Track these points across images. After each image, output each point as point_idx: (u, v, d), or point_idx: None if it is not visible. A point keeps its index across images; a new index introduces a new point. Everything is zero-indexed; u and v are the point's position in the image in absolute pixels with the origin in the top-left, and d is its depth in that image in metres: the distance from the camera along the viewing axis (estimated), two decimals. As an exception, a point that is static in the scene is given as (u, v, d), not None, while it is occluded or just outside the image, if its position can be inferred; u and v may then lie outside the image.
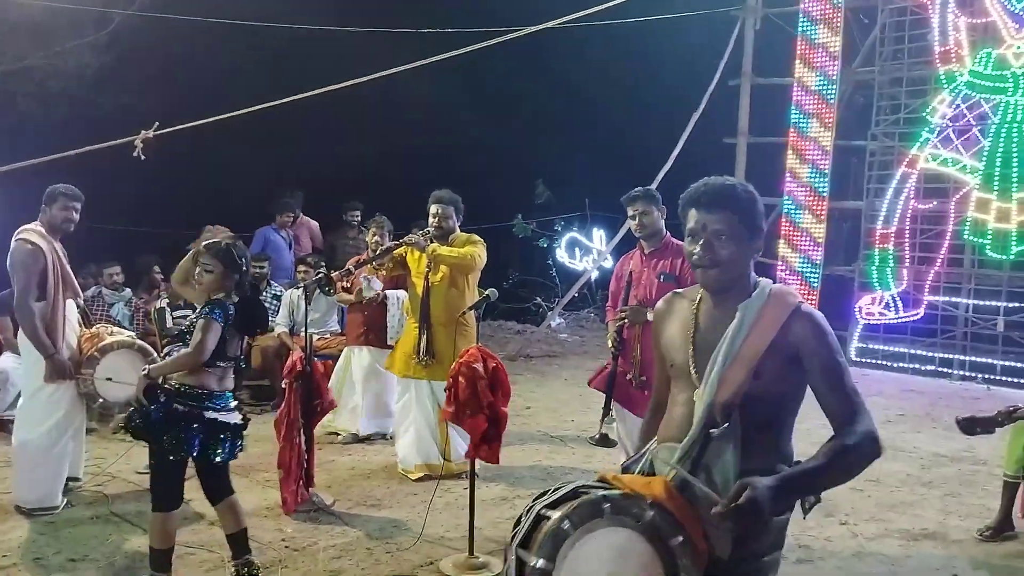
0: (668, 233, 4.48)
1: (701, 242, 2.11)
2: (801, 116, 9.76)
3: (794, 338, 2.06)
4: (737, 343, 2.07)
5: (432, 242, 5.14)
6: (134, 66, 10.48)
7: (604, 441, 4.48)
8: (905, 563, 4.09)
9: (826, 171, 9.62)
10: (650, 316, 4.11)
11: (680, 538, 1.91)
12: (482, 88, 13.16)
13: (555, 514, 1.90)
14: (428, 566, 3.96)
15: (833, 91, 9.57)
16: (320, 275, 5.12)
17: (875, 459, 2.03)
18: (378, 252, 5.47)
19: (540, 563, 1.84)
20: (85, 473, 5.12)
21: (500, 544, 4.23)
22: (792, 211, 9.83)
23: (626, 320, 4.39)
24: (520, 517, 2.02)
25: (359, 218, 8.84)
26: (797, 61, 9.78)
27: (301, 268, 7.46)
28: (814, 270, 9.65)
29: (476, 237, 5.30)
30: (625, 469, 2.27)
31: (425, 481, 5.08)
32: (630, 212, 4.48)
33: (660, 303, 2.36)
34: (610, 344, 4.50)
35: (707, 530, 1.95)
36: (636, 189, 4.54)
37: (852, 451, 1.99)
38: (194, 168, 11.02)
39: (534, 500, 2.04)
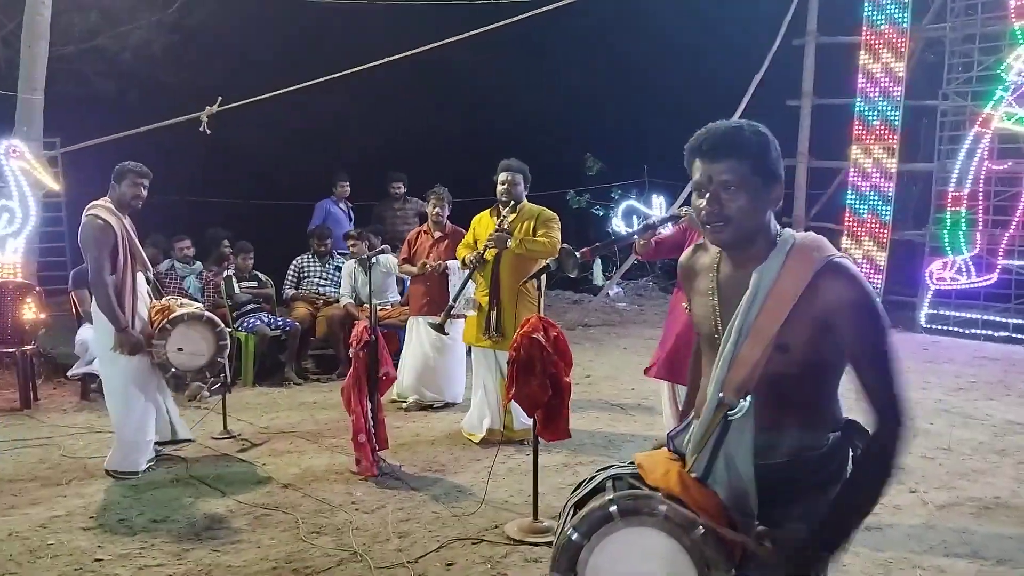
0: None
1: (707, 196, 1.86)
2: (869, 71, 9.41)
3: (823, 302, 1.78)
4: (752, 314, 1.82)
5: (509, 236, 5.24)
6: (198, 43, 10.70)
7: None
8: (977, 532, 4.02)
9: (897, 119, 9.28)
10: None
11: (700, 529, 1.76)
12: (535, 60, 13.06)
13: (568, 527, 1.84)
14: (493, 529, 4.04)
15: (900, 64, 9.21)
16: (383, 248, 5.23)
17: (900, 451, 1.80)
18: (471, 265, 5.48)
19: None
20: (161, 437, 5.30)
21: (564, 509, 4.29)
22: (865, 112, 9.49)
23: (683, 214, 4.38)
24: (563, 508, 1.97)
25: (402, 189, 8.89)
26: (865, 18, 9.43)
27: (349, 242, 7.60)
28: (881, 176, 9.36)
29: (549, 213, 5.37)
30: (670, 439, 2.10)
31: (488, 447, 5.17)
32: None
33: (684, 256, 2.12)
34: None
35: (733, 516, 1.80)
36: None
37: (877, 463, 1.80)
38: (255, 142, 11.23)
39: (573, 491, 1.99)
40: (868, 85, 9.43)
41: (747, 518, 1.79)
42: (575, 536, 1.81)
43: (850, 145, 9.64)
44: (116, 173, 4.77)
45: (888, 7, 9.29)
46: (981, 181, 8.83)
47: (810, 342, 1.81)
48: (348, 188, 9.01)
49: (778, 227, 1.90)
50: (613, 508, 1.79)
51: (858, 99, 9.51)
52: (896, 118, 9.31)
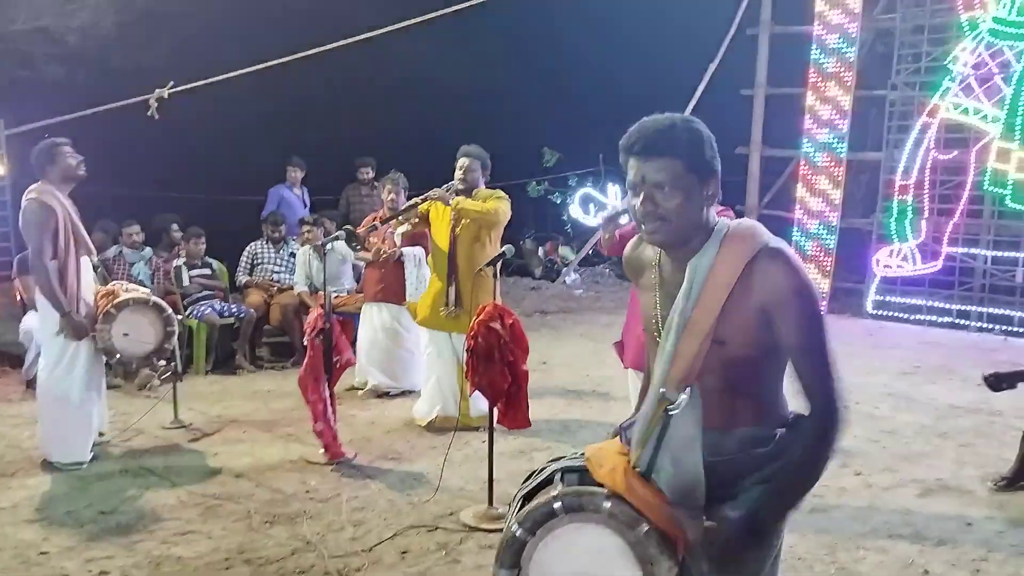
0: None
1: (641, 196, 1.83)
2: (822, 57, 9.52)
3: (758, 288, 1.76)
4: (688, 308, 1.81)
5: (457, 195, 5.15)
6: (148, 24, 10.43)
7: None
8: (919, 513, 4.13)
9: (843, 129, 9.45)
10: None
11: (644, 527, 1.77)
12: (491, 51, 12.99)
13: (512, 522, 1.85)
14: (448, 516, 4.04)
15: (851, 49, 9.33)
16: (346, 230, 5.11)
17: (835, 439, 1.79)
18: (403, 207, 5.47)
19: (503, 574, 1.85)
20: (113, 428, 5.23)
21: (519, 495, 4.31)
22: (811, 155, 9.66)
23: None
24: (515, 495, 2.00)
25: (371, 174, 8.84)
26: (817, 6, 9.54)
27: (304, 228, 7.50)
28: (829, 233, 9.55)
29: (500, 192, 5.31)
30: (622, 430, 2.08)
31: (443, 435, 5.16)
32: None
33: (628, 247, 2.08)
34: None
35: (676, 515, 1.80)
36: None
37: (817, 453, 1.79)
38: (209, 129, 11.01)
39: (524, 482, 2.00)
40: (818, 78, 9.54)
41: (694, 511, 1.80)
42: (519, 532, 1.83)
43: (801, 135, 9.78)
44: (42, 155, 4.59)
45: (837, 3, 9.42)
46: (927, 170, 9.01)
47: (748, 333, 1.79)
48: (300, 173, 8.90)
49: (716, 219, 1.88)
50: (558, 504, 1.81)
51: (808, 89, 9.62)
52: (846, 103, 9.44)
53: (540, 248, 13.01)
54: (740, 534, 1.80)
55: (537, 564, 1.83)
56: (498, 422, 4.20)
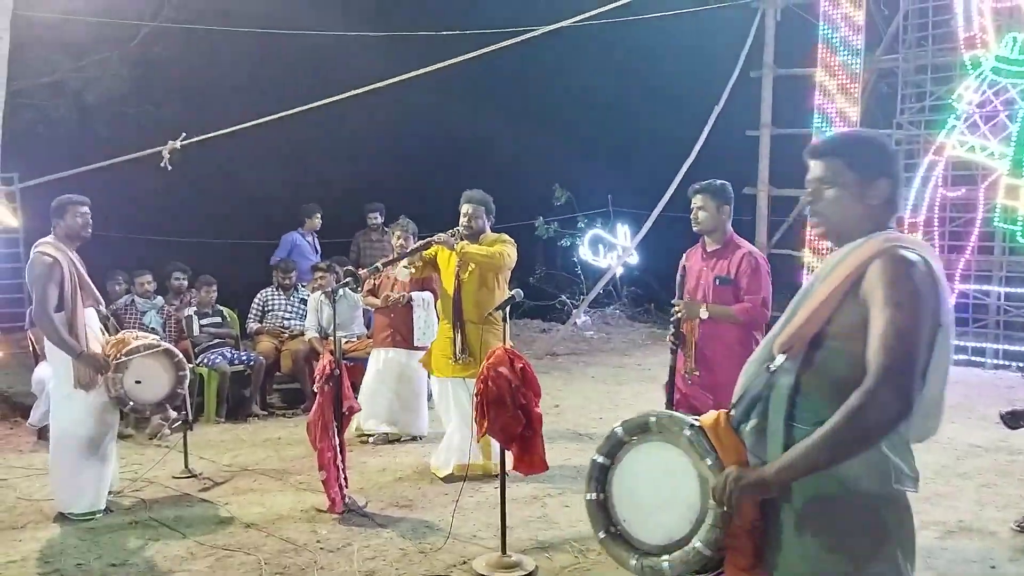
0: (732, 233, 4.30)
1: (809, 191, 2.10)
2: (825, 104, 9.59)
3: (864, 283, 1.88)
4: (815, 286, 2.00)
5: (461, 240, 5.16)
6: (161, 77, 10.64)
7: None
8: (941, 556, 4.04)
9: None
10: (704, 313, 4.09)
11: (710, 460, 2.01)
12: (499, 93, 13.19)
13: (617, 424, 2.21)
14: (461, 565, 3.98)
15: (856, 87, 9.41)
16: (347, 272, 5.11)
17: (891, 416, 1.78)
18: (409, 250, 5.48)
19: (600, 459, 2.22)
20: (123, 479, 5.20)
21: (532, 543, 4.25)
22: None
23: (680, 314, 4.21)
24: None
25: (379, 219, 8.89)
26: (819, 50, 9.63)
27: (317, 275, 7.51)
28: None
29: (506, 236, 5.31)
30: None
31: (456, 482, 5.10)
32: (691, 204, 4.34)
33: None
34: (668, 340, 4.32)
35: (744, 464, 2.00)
36: (703, 182, 4.32)
37: (855, 411, 1.79)
38: (221, 178, 11.16)
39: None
40: (823, 118, 9.60)
41: (758, 461, 2.00)
42: (619, 431, 2.19)
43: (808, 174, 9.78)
44: (55, 210, 4.69)
45: (840, 45, 9.50)
46: (936, 207, 9.02)
47: (851, 324, 1.89)
48: (319, 221, 8.98)
49: (886, 226, 2.01)
50: (652, 419, 2.15)
51: (813, 129, 9.67)
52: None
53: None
54: (764, 476, 1.92)
55: (628, 462, 2.19)
56: (513, 468, 4.15)
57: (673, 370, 4.19)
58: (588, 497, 2.23)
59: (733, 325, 4.10)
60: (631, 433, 2.18)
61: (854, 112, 9.39)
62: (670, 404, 4.15)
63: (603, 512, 2.21)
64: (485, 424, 4.05)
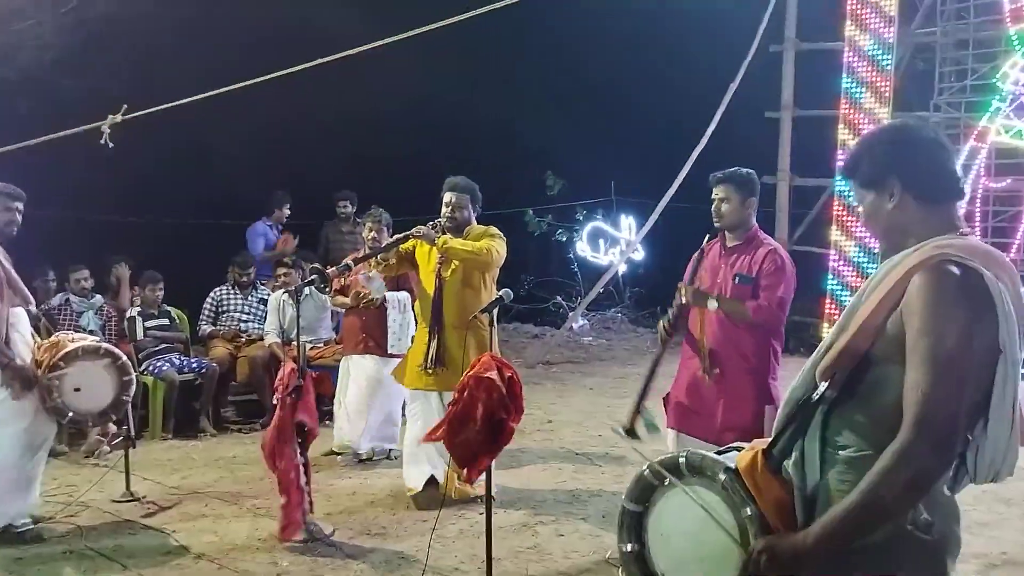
0: (757, 228, 4.29)
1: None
2: (853, 84, 9.64)
3: (904, 303, 1.88)
4: (861, 302, 2.00)
5: (444, 234, 5.12)
6: (100, 45, 10.54)
7: (632, 434, 4.28)
8: (984, 592, 4.04)
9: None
10: (712, 305, 4.07)
11: (749, 510, 1.99)
12: (489, 67, 13.13)
13: (645, 466, 2.24)
14: (441, 603, 3.96)
15: (889, 59, 9.46)
16: (314, 269, 5.05)
17: (929, 475, 1.81)
18: (383, 245, 5.43)
19: (631, 506, 2.26)
20: (56, 503, 5.15)
21: (522, 577, 4.23)
22: (845, 192, 9.74)
23: (684, 299, 4.17)
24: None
25: (349, 208, 8.85)
26: (847, 22, 9.67)
27: (280, 271, 7.46)
28: (870, 261, 9.57)
29: (494, 230, 5.28)
30: None
31: (434, 509, 5.06)
32: (712, 194, 4.30)
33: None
34: (662, 325, 4.31)
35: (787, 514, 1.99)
36: (728, 170, 4.27)
37: (887, 472, 1.80)
38: (170, 158, 11.08)
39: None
40: (851, 98, 9.63)
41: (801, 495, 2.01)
42: (647, 473, 2.22)
43: (834, 162, 9.83)
44: None
45: (871, 16, 9.52)
46: (978, 200, 9.06)
47: (894, 345, 1.88)
48: (288, 211, 8.93)
49: (941, 232, 2.00)
50: (683, 460, 2.16)
51: (841, 110, 9.71)
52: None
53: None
54: (798, 552, 1.91)
55: (660, 510, 2.21)
56: (468, 480, 4.18)
57: (656, 364, 4.22)
58: (624, 549, 2.26)
59: (749, 332, 4.08)
60: (661, 475, 2.20)
61: (886, 92, 9.42)
62: (644, 395, 4.19)
63: (640, 565, 2.24)
64: (440, 432, 4.02)
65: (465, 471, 4.11)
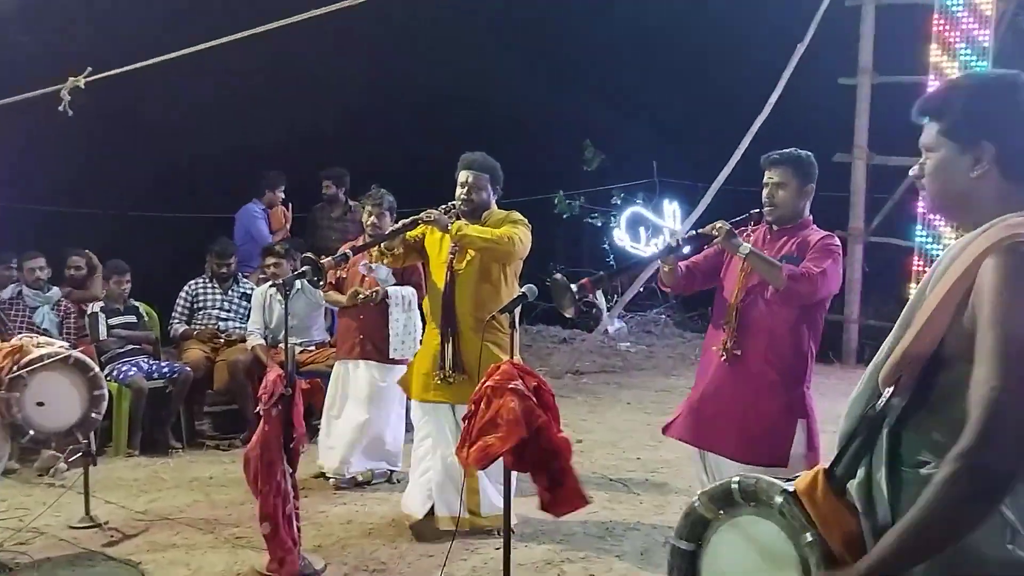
0: (810, 218, 4.33)
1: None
2: (943, 45, 9.57)
3: (976, 286, 1.88)
4: (925, 294, 2.01)
5: (458, 219, 5.14)
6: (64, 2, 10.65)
7: (589, 305, 4.27)
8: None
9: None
10: (744, 249, 4.09)
11: (809, 536, 2.01)
12: (514, 29, 13.15)
13: (695, 498, 2.26)
14: (449, 651, 3.99)
15: (990, 14, 9.39)
16: (305, 259, 5.07)
17: (999, 485, 1.79)
18: (387, 232, 5.44)
19: (682, 544, 2.26)
20: (3, 528, 5.22)
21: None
22: None
23: (716, 231, 4.20)
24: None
25: (333, 189, 8.84)
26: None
27: (269, 260, 7.45)
28: None
29: (517, 215, 5.29)
30: None
31: (443, 540, 5.10)
32: (765, 177, 4.33)
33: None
34: (672, 239, 4.33)
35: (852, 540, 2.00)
36: (783, 151, 4.30)
37: (947, 485, 1.80)
38: (139, 128, 11.16)
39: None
40: (943, 60, 9.57)
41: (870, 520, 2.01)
42: (698, 505, 2.23)
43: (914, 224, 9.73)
44: None
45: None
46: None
47: (965, 338, 1.88)
48: (282, 196, 8.99)
49: (1007, 214, 1.96)
50: (735, 485, 2.17)
51: (931, 76, 9.65)
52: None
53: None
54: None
55: (715, 544, 2.22)
56: (543, 509, 4.14)
57: (646, 263, 4.22)
58: None
59: (791, 322, 4.12)
60: (714, 507, 2.21)
61: (985, 51, 9.35)
62: (610, 276, 4.17)
63: None
64: (477, 450, 4.03)
65: (554, 503, 4.12)
